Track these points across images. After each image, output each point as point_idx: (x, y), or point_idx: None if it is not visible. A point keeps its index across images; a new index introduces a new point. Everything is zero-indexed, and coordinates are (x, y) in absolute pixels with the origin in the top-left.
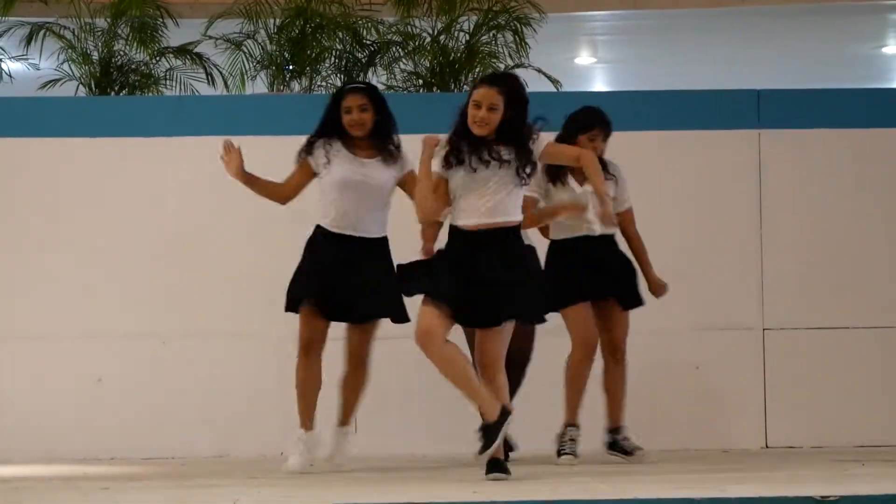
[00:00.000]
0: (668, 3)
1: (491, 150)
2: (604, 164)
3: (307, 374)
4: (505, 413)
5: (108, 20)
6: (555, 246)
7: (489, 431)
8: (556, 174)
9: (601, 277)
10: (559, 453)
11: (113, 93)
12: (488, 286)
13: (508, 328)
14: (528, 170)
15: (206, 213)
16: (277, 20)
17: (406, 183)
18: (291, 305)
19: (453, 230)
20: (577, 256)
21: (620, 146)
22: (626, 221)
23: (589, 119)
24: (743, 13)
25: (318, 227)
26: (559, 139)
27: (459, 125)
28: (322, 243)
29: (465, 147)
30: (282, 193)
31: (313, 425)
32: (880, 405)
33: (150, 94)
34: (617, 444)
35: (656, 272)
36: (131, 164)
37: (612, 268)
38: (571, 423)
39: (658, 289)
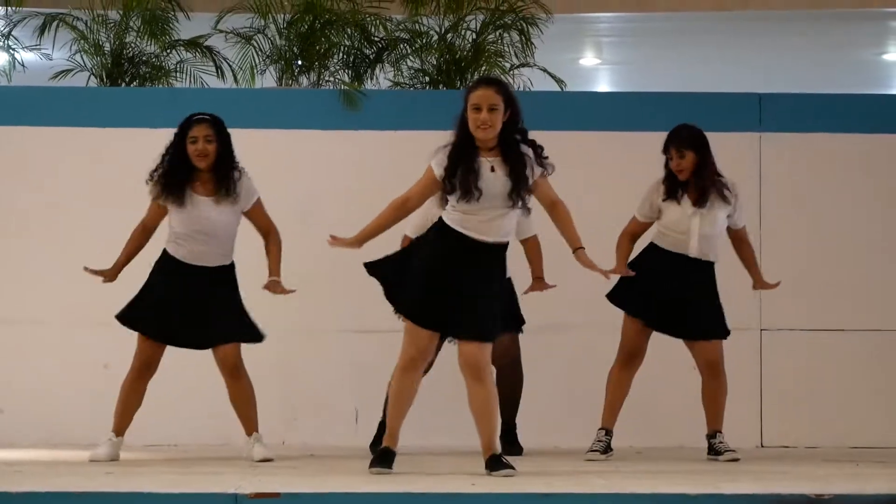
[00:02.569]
0: (673, 6)
1: (478, 178)
2: (721, 183)
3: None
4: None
5: (121, 12)
6: (654, 249)
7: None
8: (674, 190)
9: (669, 311)
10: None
11: (124, 84)
12: (473, 299)
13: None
14: (520, 197)
15: None
16: (287, 15)
17: (252, 213)
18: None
19: (447, 229)
20: (664, 273)
21: (623, 147)
22: (737, 240)
23: (668, 139)
24: (746, 17)
25: None
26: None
27: (460, 135)
28: None
29: (462, 171)
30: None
31: None
32: (875, 407)
33: (161, 86)
34: (712, 448)
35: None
36: (141, 155)
37: (686, 303)
38: (602, 427)
39: (765, 286)
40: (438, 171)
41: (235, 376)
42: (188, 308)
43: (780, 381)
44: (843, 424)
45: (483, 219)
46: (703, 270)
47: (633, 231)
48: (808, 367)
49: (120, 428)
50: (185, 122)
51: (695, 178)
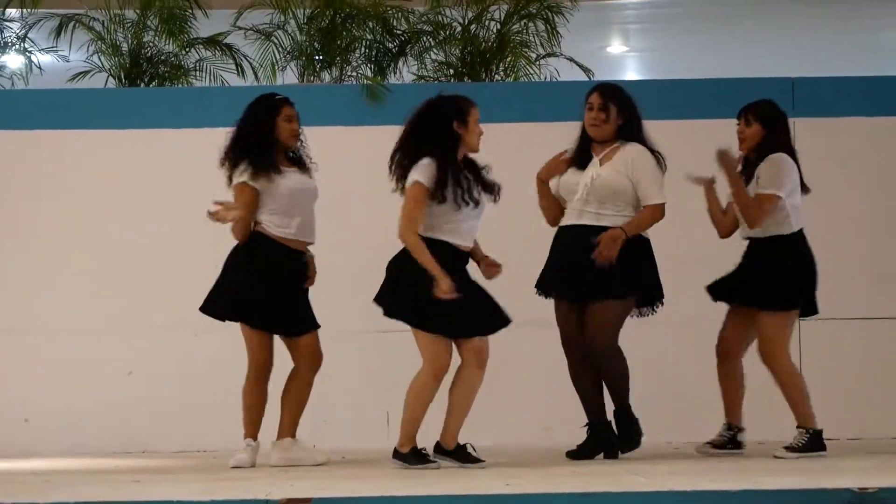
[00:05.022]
0: None
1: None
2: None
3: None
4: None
5: (138, 11)
6: (798, 237)
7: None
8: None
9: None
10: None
11: (143, 84)
12: (477, 299)
13: None
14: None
15: None
16: (307, 10)
17: None
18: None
19: (450, 249)
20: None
21: (653, 135)
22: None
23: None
24: (775, 0)
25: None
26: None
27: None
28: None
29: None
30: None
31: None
32: None
33: (180, 85)
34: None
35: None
36: (162, 156)
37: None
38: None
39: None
40: None
41: (316, 367)
42: (291, 294)
43: (821, 372)
44: (887, 415)
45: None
46: None
47: None
48: (849, 357)
49: (254, 432)
50: (275, 101)
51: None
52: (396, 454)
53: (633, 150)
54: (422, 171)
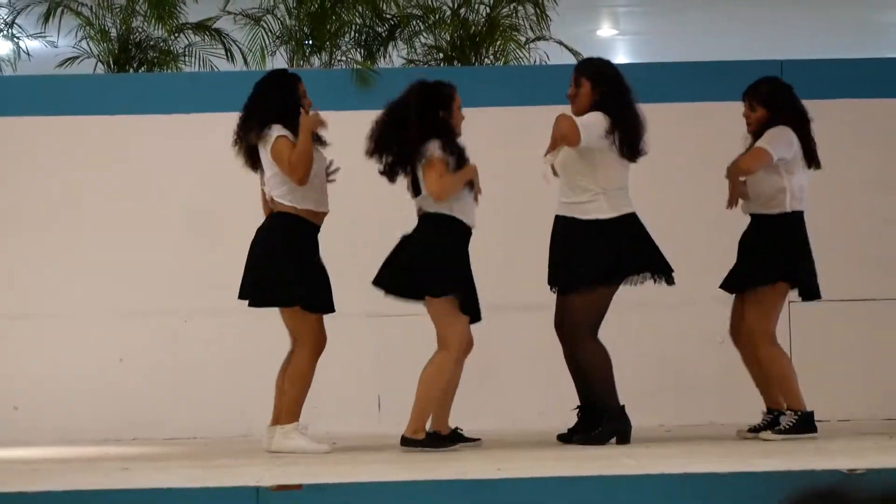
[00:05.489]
0: None
1: None
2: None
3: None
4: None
5: None
6: (790, 218)
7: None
8: None
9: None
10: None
11: (132, 70)
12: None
13: None
14: None
15: (226, 190)
16: None
17: None
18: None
19: (461, 226)
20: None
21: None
22: None
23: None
24: None
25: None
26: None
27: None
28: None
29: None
30: None
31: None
32: None
33: (170, 70)
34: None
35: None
36: (151, 142)
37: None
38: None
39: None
40: None
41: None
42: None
43: (810, 354)
44: (876, 397)
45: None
46: None
47: None
48: (838, 338)
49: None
50: (292, 76)
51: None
52: (408, 441)
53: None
54: (437, 146)
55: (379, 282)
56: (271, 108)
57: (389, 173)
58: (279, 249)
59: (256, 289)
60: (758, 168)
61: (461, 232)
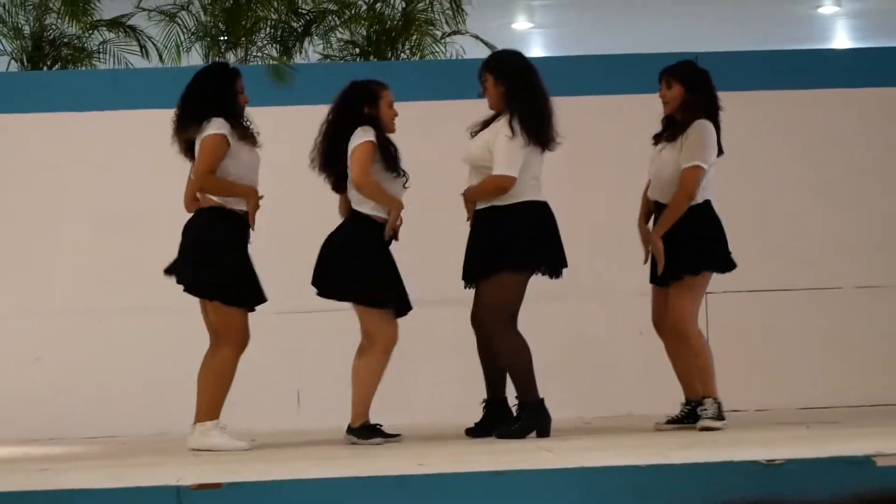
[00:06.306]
0: None
1: None
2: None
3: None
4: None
5: None
6: (703, 208)
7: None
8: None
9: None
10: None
11: (46, 67)
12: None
13: None
14: None
15: (142, 188)
16: None
17: None
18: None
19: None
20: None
21: (559, 112)
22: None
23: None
24: None
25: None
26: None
27: None
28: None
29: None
30: None
31: None
32: (822, 366)
33: (84, 67)
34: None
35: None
36: (66, 140)
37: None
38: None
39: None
40: None
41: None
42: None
43: (727, 344)
44: (793, 386)
45: None
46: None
47: None
48: (753, 328)
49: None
50: (231, 70)
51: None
52: (349, 430)
53: (498, 122)
54: (364, 133)
55: (315, 283)
56: (209, 101)
57: (338, 189)
58: (218, 242)
59: (196, 279)
60: (699, 186)
61: (377, 228)
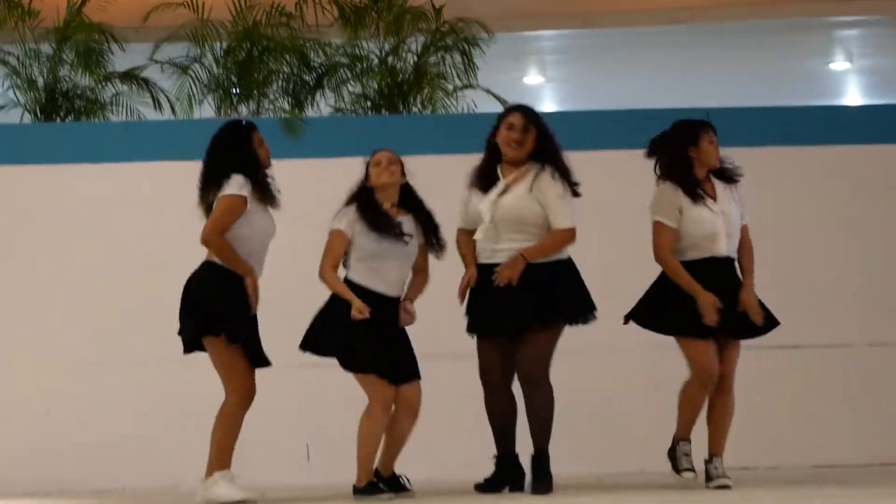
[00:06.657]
0: (617, 22)
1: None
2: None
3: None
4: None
5: (53, 45)
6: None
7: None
8: (695, 190)
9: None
10: (679, 470)
11: (59, 119)
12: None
13: None
14: None
15: (154, 240)
16: (224, 43)
17: None
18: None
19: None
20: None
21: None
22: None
23: (696, 125)
24: (691, 31)
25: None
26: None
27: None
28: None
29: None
30: None
31: None
32: (836, 424)
33: (97, 119)
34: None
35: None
36: (77, 192)
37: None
38: (683, 438)
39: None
40: None
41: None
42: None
43: (739, 401)
44: (805, 443)
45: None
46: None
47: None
48: (765, 385)
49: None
50: (246, 125)
51: (713, 172)
52: (355, 490)
53: (542, 173)
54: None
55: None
56: (227, 159)
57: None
58: (223, 292)
59: (189, 325)
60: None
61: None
